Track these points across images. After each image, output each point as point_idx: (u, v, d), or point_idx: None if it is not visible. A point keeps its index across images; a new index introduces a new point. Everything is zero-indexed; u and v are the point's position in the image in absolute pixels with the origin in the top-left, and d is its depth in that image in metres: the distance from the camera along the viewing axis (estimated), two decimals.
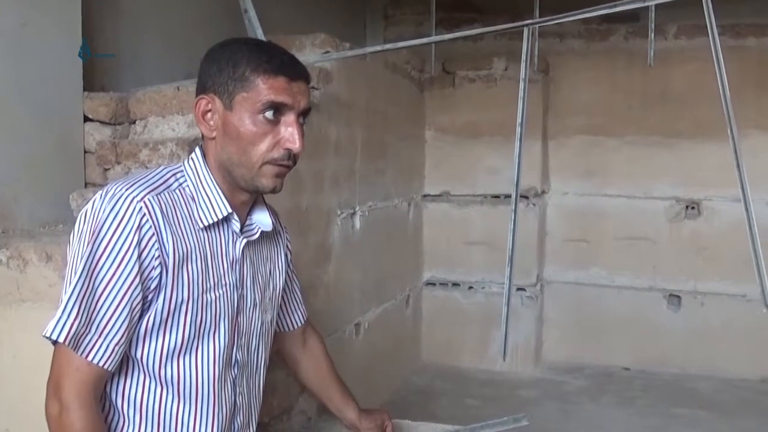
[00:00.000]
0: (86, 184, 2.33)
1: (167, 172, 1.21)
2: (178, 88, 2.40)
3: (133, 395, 1.19)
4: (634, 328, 4.25)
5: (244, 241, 1.25)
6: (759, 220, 1.99)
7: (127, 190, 1.13)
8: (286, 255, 1.43)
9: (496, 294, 4.19)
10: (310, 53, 2.83)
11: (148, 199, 1.13)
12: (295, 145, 1.18)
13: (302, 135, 1.19)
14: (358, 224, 3.28)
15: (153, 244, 1.12)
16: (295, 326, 1.56)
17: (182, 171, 1.23)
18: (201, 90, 1.21)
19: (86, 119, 2.36)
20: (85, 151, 2.35)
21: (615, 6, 2.18)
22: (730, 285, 4.08)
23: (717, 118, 3.88)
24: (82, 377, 1.10)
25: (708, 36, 4.11)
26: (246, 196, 1.25)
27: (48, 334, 1.10)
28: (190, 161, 1.24)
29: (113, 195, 1.13)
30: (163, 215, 1.14)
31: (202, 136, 1.24)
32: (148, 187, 1.15)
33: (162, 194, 1.16)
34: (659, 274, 4.23)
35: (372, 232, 3.42)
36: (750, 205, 1.84)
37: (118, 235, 1.10)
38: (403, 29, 4.79)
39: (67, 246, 1.17)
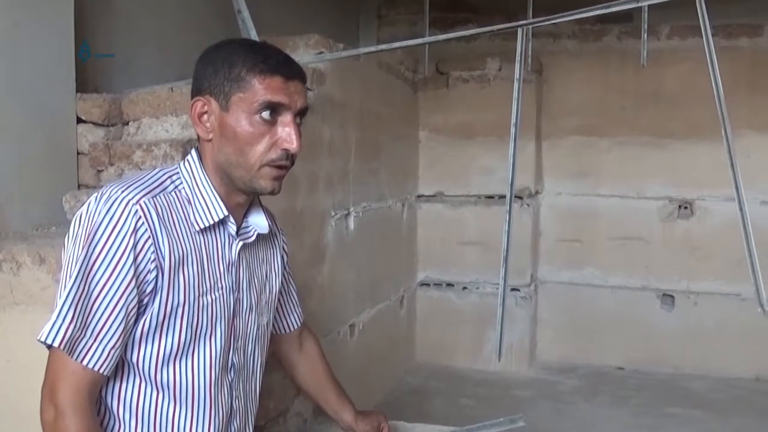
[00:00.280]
0: (79, 186, 2.32)
1: (163, 174, 1.21)
2: (172, 89, 2.38)
3: (129, 399, 1.18)
4: (627, 328, 4.26)
5: (240, 243, 1.25)
6: (752, 220, 2.00)
7: (122, 192, 1.12)
8: (282, 257, 1.43)
9: (490, 294, 4.19)
10: (303, 54, 2.82)
11: (144, 202, 1.12)
12: (293, 145, 1.18)
13: (300, 135, 1.19)
14: (352, 225, 3.27)
15: (149, 248, 1.11)
16: (292, 329, 1.55)
17: (178, 173, 1.22)
18: (196, 92, 1.20)
19: (79, 120, 2.35)
20: (78, 153, 2.34)
21: (609, 6, 2.18)
22: (724, 284, 4.10)
23: (709, 118, 3.90)
24: (77, 382, 1.09)
25: (700, 36, 4.13)
26: (243, 198, 1.25)
27: (43, 339, 1.09)
28: (186, 163, 1.23)
29: (108, 198, 1.12)
30: (158, 218, 1.13)
31: (198, 138, 1.23)
32: (143, 189, 1.15)
33: (158, 197, 1.15)
34: (652, 273, 4.24)
35: (366, 233, 3.42)
36: (744, 205, 1.85)
37: (114, 238, 1.09)
38: (396, 29, 4.79)
39: (62, 249, 1.16)
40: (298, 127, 1.20)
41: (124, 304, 1.11)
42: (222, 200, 1.21)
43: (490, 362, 4.16)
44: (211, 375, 1.21)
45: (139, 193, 1.13)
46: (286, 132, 1.18)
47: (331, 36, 2.96)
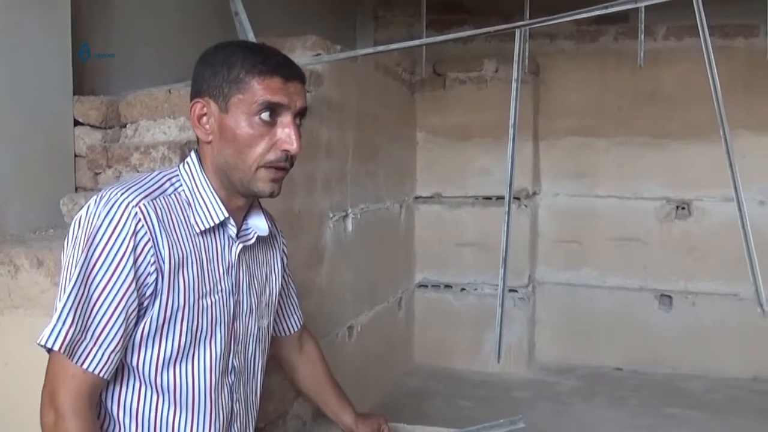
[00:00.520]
0: (77, 189, 2.31)
1: (162, 177, 1.20)
2: (170, 92, 2.38)
3: (129, 403, 1.17)
4: (625, 329, 4.26)
5: (240, 246, 1.24)
6: (749, 220, 2.00)
7: (122, 195, 1.12)
8: (282, 259, 1.42)
9: (488, 295, 4.19)
10: (301, 55, 2.82)
11: (144, 205, 1.12)
12: (293, 146, 1.17)
13: (299, 136, 1.19)
14: (350, 227, 3.27)
15: (149, 250, 1.11)
16: (292, 331, 1.55)
17: (177, 175, 1.22)
18: (195, 94, 1.20)
19: (76, 123, 2.34)
20: (76, 155, 2.33)
21: (608, 7, 2.18)
22: (721, 284, 4.10)
23: (706, 118, 3.92)
24: (77, 385, 1.09)
25: (697, 37, 4.14)
26: (242, 201, 1.24)
27: (43, 342, 1.08)
28: (186, 165, 1.23)
29: (108, 200, 1.11)
30: (158, 220, 1.13)
31: (198, 140, 1.23)
32: (143, 192, 1.14)
33: (157, 199, 1.15)
34: (650, 274, 4.24)
35: (364, 235, 3.41)
36: (743, 205, 1.85)
37: (113, 241, 1.09)
38: (393, 31, 4.79)
39: (61, 252, 1.15)
40: (298, 128, 1.19)
41: (124, 307, 1.10)
42: (222, 202, 1.21)
43: (489, 363, 4.16)
44: (211, 378, 1.21)
45: (138, 195, 1.13)
46: (286, 133, 1.17)
47: (328, 38, 2.95)
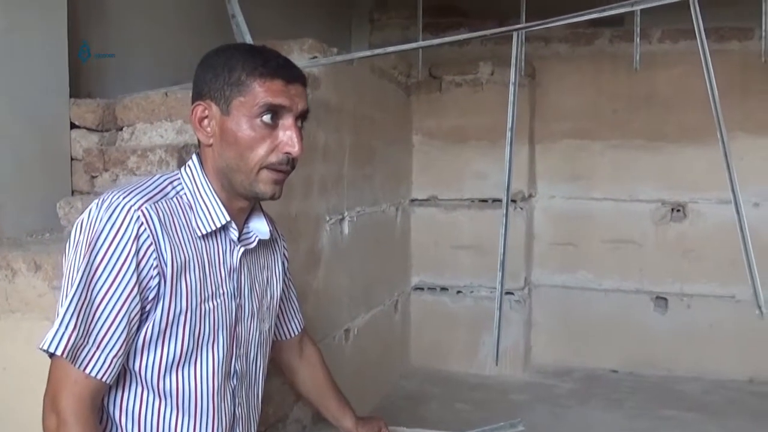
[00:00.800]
0: (73, 192, 2.30)
1: (164, 180, 1.20)
2: (166, 94, 2.37)
3: (131, 408, 1.17)
4: (621, 331, 4.27)
5: (242, 249, 1.24)
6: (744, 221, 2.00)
7: (123, 198, 1.11)
8: (283, 263, 1.42)
9: (484, 298, 4.19)
10: (298, 58, 2.81)
11: (146, 208, 1.11)
12: (294, 148, 1.17)
13: (301, 138, 1.18)
14: (346, 230, 3.26)
15: (151, 254, 1.10)
16: (292, 335, 1.54)
17: (179, 178, 1.21)
18: (197, 96, 1.20)
19: (73, 126, 2.33)
20: (72, 158, 2.32)
21: (604, 10, 2.19)
22: (717, 286, 4.11)
23: (702, 121, 3.96)
24: (80, 390, 1.08)
25: (692, 40, 4.15)
26: (244, 204, 1.24)
27: (45, 347, 1.07)
28: (187, 169, 1.22)
29: (110, 204, 1.11)
30: (160, 224, 1.12)
31: (199, 143, 1.22)
32: (145, 195, 1.14)
33: (159, 203, 1.15)
34: (646, 276, 4.25)
35: (360, 238, 3.41)
36: (741, 208, 1.86)
37: (116, 245, 1.08)
38: (388, 34, 4.79)
39: (62, 256, 1.14)
40: (300, 130, 1.19)
41: (126, 312, 1.09)
42: (224, 205, 1.21)
43: (486, 366, 4.16)
44: (213, 382, 1.20)
45: (140, 199, 1.12)
46: (288, 135, 1.17)
47: (324, 40, 2.95)
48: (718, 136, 1.92)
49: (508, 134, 2.24)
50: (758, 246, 2.05)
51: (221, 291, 1.21)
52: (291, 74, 1.19)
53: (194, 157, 1.23)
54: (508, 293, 4.13)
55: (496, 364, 2.44)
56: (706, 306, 4.16)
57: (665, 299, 4.24)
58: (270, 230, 1.31)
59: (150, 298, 1.12)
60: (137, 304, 1.11)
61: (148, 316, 1.13)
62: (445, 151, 4.25)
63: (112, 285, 1.08)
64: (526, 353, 4.32)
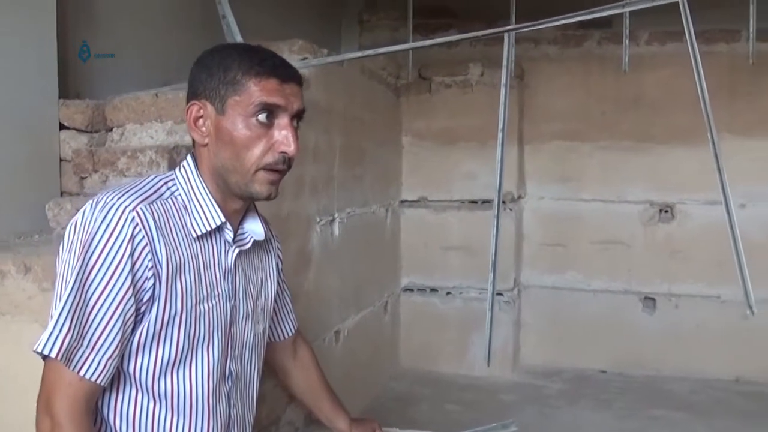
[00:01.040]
0: (62, 193, 2.29)
1: (159, 181, 1.19)
2: (156, 95, 2.36)
3: (125, 410, 1.16)
4: (610, 331, 4.29)
5: (237, 250, 1.23)
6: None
7: (118, 199, 1.10)
8: (277, 264, 1.41)
9: (474, 299, 4.20)
10: (288, 59, 2.80)
11: (141, 209, 1.11)
12: (290, 147, 1.17)
13: (297, 138, 1.18)
14: (336, 231, 3.26)
15: (146, 255, 1.10)
16: (286, 336, 1.54)
17: (174, 179, 1.20)
18: (192, 96, 1.19)
19: (62, 127, 2.32)
20: (61, 160, 2.31)
21: (595, 12, 2.20)
22: (704, 287, 4.14)
23: (689, 122, 3.99)
24: (74, 393, 1.07)
25: (679, 42, 4.18)
26: (239, 204, 1.23)
27: (39, 349, 1.06)
28: (182, 169, 1.22)
29: (104, 205, 1.10)
30: (155, 225, 1.12)
31: (194, 143, 1.22)
32: (139, 196, 1.13)
33: (154, 203, 1.14)
34: (634, 277, 4.27)
35: (351, 239, 3.41)
36: (731, 208, 1.87)
37: (111, 246, 1.07)
38: (378, 35, 4.78)
39: (56, 257, 1.13)
40: (295, 130, 1.19)
41: (121, 313, 1.09)
42: (219, 206, 1.20)
43: (475, 367, 4.17)
44: (209, 384, 1.20)
45: (135, 199, 1.11)
46: (283, 135, 1.17)
47: (314, 42, 2.95)
48: (709, 137, 1.94)
49: (500, 135, 2.24)
50: (745, 246, 2.06)
51: (216, 292, 1.20)
52: (286, 73, 1.18)
53: (189, 157, 1.22)
54: (497, 294, 4.12)
55: (488, 365, 2.44)
56: (693, 306, 4.19)
57: (653, 299, 4.27)
58: (265, 231, 1.31)
59: (145, 299, 1.11)
60: (132, 306, 1.10)
61: (142, 318, 1.12)
62: (434, 153, 4.25)
63: (107, 286, 1.08)
64: (516, 354, 4.33)
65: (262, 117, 1.15)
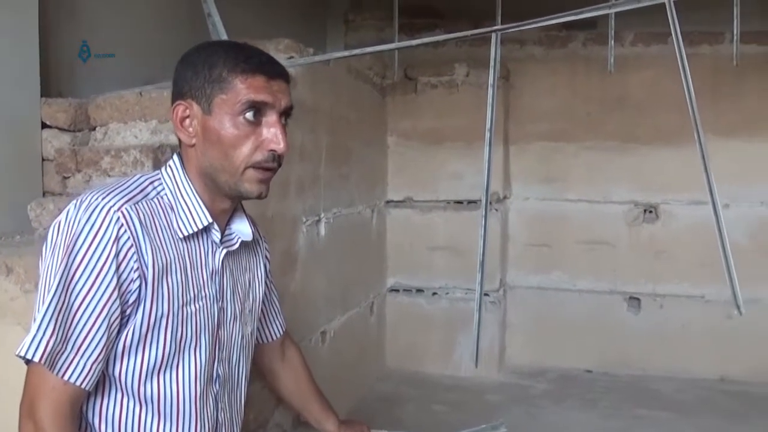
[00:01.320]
0: (44, 193, 2.26)
1: (144, 180, 1.17)
2: (141, 94, 2.33)
3: (110, 415, 1.13)
4: (595, 331, 4.30)
5: (224, 251, 1.21)
6: (714, 221, 2.02)
7: (103, 199, 1.08)
8: (265, 265, 1.40)
9: (459, 299, 4.20)
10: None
11: (126, 209, 1.08)
12: (279, 145, 1.15)
13: (286, 135, 1.16)
14: (323, 231, 3.24)
15: (132, 256, 1.07)
16: (274, 338, 1.52)
17: (160, 179, 1.18)
18: (178, 96, 1.17)
19: (44, 126, 2.29)
20: (43, 159, 2.27)
21: (581, 12, 2.20)
22: (689, 287, 4.17)
23: (673, 123, 4.01)
24: (58, 397, 1.05)
25: (664, 43, 4.21)
26: (227, 204, 1.21)
27: (22, 353, 1.04)
28: (168, 169, 1.19)
29: (89, 204, 1.07)
30: (141, 225, 1.09)
31: (180, 143, 1.20)
32: (125, 196, 1.10)
33: (140, 203, 1.11)
34: (619, 277, 4.29)
35: (337, 240, 3.39)
36: (719, 209, 1.88)
37: (95, 247, 1.05)
38: (363, 35, 4.77)
39: (39, 259, 1.11)
40: (284, 127, 1.17)
41: (106, 316, 1.06)
42: (206, 207, 1.18)
43: (461, 367, 4.16)
44: (196, 387, 1.18)
45: (120, 199, 1.09)
46: (272, 132, 1.15)
47: (300, 41, 2.93)
48: (696, 138, 1.94)
49: (487, 135, 2.24)
50: (729, 247, 2.07)
51: (203, 294, 1.18)
52: (273, 70, 1.17)
53: (175, 157, 1.20)
54: (483, 294, 4.13)
55: (476, 366, 2.43)
56: (678, 306, 4.21)
57: (638, 299, 4.28)
58: (252, 232, 1.29)
59: (130, 301, 1.09)
60: (117, 308, 1.07)
61: (128, 320, 1.10)
62: (420, 153, 4.25)
63: (92, 288, 1.05)
64: (501, 354, 4.33)
65: (249, 115, 1.13)
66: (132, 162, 2.09)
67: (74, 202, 1.09)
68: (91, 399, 1.13)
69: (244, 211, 1.30)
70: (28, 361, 1.06)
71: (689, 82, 1.99)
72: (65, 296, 1.05)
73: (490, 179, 2.25)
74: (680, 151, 4.01)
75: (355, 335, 3.76)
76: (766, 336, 3.98)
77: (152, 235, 1.11)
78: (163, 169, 1.20)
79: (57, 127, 2.29)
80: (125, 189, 1.12)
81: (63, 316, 1.05)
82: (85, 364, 1.06)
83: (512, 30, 2.39)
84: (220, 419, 1.25)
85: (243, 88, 1.13)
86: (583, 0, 2.32)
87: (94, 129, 2.36)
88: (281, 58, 2.77)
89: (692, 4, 2.44)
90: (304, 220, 3.02)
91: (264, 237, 1.43)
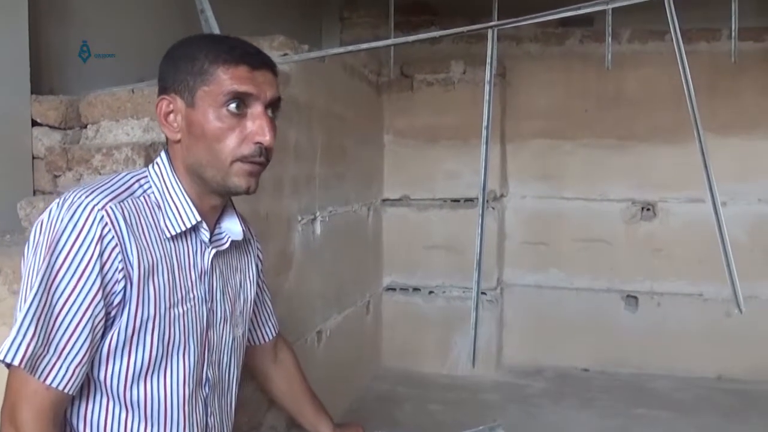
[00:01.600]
0: (35, 192, 2.23)
1: (130, 178, 1.14)
2: (132, 91, 2.30)
3: (95, 420, 1.10)
4: (592, 330, 4.28)
5: (213, 251, 1.18)
6: (711, 219, 2.00)
7: (86, 197, 1.05)
8: (257, 265, 1.36)
9: (456, 298, 4.17)
10: (268, 55, 2.76)
11: (110, 207, 1.05)
12: (265, 137, 1.11)
13: (272, 127, 1.13)
14: (318, 230, 3.21)
15: (116, 256, 1.04)
16: (266, 339, 1.49)
17: (147, 176, 1.15)
18: (161, 91, 1.14)
19: (34, 123, 2.26)
20: (34, 157, 2.24)
21: (579, 8, 2.17)
22: (686, 285, 4.15)
23: (671, 120, 4.00)
24: (40, 402, 1.02)
25: (661, 41, 4.18)
26: (217, 201, 1.18)
27: (2, 357, 1.00)
28: (155, 166, 1.16)
29: (72, 203, 1.04)
30: (126, 224, 1.06)
31: (167, 140, 1.17)
32: (109, 194, 1.07)
33: (125, 202, 1.08)
34: (617, 275, 4.27)
35: (332, 238, 3.36)
36: (719, 207, 1.85)
37: (78, 247, 1.02)
38: (359, 32, 4.74)
39: (21, 259, 1.08)
40: (271, 119, 1.14)
41: (90, 318, 1.03)
42: (194, 205, 1.15)
43: (458, 367, 4.14)
44: (184, 391, 1.14)
45: (105, 197, 1.06)
46: (257, 124, 1.11)
47: (295, 38, 2.90)
48: (695, 135, 1.92)
49: (484, 132, 2.21)
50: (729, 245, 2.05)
51: (191, 295, 1.15)
52: (257, 60, 1.13)
53: (163, 154, 1.17)
54: (480, 293, 4.10)
55: (473, 367, 2.40)
56: (675, 304, 4.19)
57: (636, 298, 4.27)
58: (243, 231, 1.26)
59: (115, 303, 1.06)
60: (101, 310, 1.04)
61: (113, 323, 1.07)
62: (416, 151, 4.22)
63: (74, 289, 1.02)
64: (498, 353, 4.31)
65: (232, 107, 1.10)
66: (124, 160, 2.06)
67: (57, 200, 1.06)
68: (76, 403, 1.10)
69: (235, 210, 1.27)
70: (8, 365, 1.03)
71: (689, 79, 1.97)
72: (47, 298, 1.02)
73: (486, 177, 2.22)
74: (677, 148, 4.00)
75: (351, 335, 3.73)
76: (765, 334, 3.97)
77: (138, 235, 1.08)
78: (150, 166, 1.17)
79: (47, 125, 2.27)
80: (110, 187, 1.09)
81: (44, 318, 1.02)
82: (68, 368, 1.03)
83: (509, 26, 2.36)
84: (209, 424, 1.22)
85: (226, 79, 1.10)
86: None
87: (85, 127, 2.33)
88: (275, 55, 2.74)
89: (689, 0, 2.42)
90: (300, 218, 2.99)
91: (256, 236, 1.40)
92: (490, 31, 2.27)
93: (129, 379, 1.10)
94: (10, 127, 2.16)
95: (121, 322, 1.07)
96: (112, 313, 1.06)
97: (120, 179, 1.13)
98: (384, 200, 4.27)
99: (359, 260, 3.87)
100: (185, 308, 1.13)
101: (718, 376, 4.10)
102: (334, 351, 3.40)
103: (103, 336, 1.07)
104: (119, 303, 1.06)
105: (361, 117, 3.87)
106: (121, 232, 1.05)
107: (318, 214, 3.20)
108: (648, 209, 4.24)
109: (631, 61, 4.15)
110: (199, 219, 1.15)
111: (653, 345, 4.19)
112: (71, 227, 1.03)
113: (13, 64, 2.16)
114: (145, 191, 1.13)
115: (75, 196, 1.05)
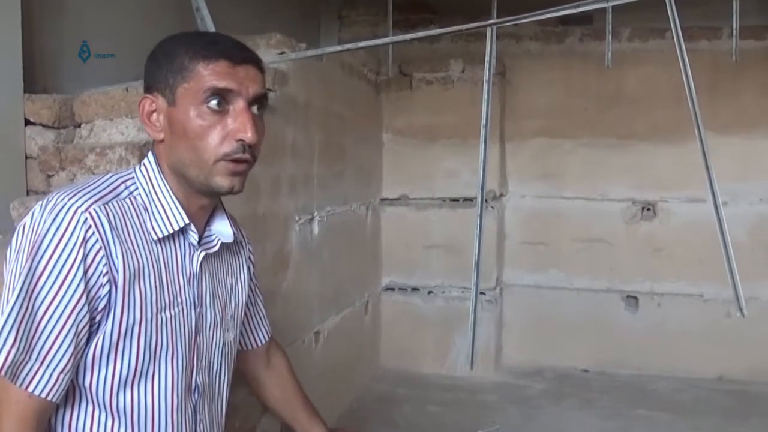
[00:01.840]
0: (28, 192, 2.20)
1: (116, 179, 1.11)
2: (127, 90, 2.27)
3: (80, 428, 1.07)
4: (592, 330, 4.26)
5: (203, 254, 1.15)
6: (714, 221, 1.98)
7: (70, 199, 1.02)
8: (248, 267, 1.33)
9: (455, 298, 4.15)
10: (265, 54, 2.73)
11: (94, 210, 1.02)
12: (247, 134, 1.07)
13: (254, 124, 1.09)
14: (316, 230, 3.19)
15: (100, 260, 1.01)
16: (259, 344, 1.46)
17: (133, 178, 1.12)
18: (145, 90, 1.12)
19: (27, 122, 2.23)
20: (27, 157, 2.22)
21: (579, 6, 2.15)
22: (686, 285, 4.13)
23: (671, 119, 3.97)
24: (23, 410, 0.98)
25: (661, 39, 4.16)
26: (205, 202, 1.15)
27: None
28: (142, 167, 1.13)
29: (54, 205, 1.01)
30: (111, 227, 1.03)
31: (153, 140, 1.14)
32: (94, 195, 1.04)
33: (110, 204, 1.05)
34: (617, 275, 4.24)
35: (330, 238, 3.34)
36: (721, 209, 1.82)
37: (61, 250, 0.99)
38: (357, 31, 4.71)
39: (4, 262, 1.05)
40: (254, 116, 1.10)
41: (73, 323, 1.00)
42: (182, 207, 1.12)
43: (457, 367, 4.12)
44: (173, 398, 1.11)
45: (89, 199, 1.03)
46: (239, 121, 1.07)
47: (293, 36, 2.87)
48: (696, 134, 1.89)
49: (483, 131, 2.19)
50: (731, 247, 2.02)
51: (179, 299, 1.12)
52: (239, 55, 1.09)
53: (150, 154, 1.14)
54: (479, 293, 4.08)
55: (471, 368, 2.37)
56: (675, 305, 4.17)
57: (636, 298, 4.24)
58: (234, 233, 1.23)
59: (100, 308, 1.03)
60: (85, 315, 1.01)
61: (98, 328, 1.04)
62: (415, 150, 4.20)
63: (57, 294, 0.99)
64: (498, 353, 4.29)
65: (213, 103, 1.07)
66: (117, 160, 2.03)
67: (41, 202, 1.03)
68: (60, 411, 1.07)
69: (225, 211, 1.24)
70: None
71: (690, 78, 1.94)
72: (28, 303, 0.99)
73: (485, 176, 2.20)
74: (678, 147, 3.97)
75: (350, 335, 3.71)
76: (765, 335, 3.94)
77: (123, 237, 1.05)
78: (137, 167, 1.14)
79: (41, 124, 2.24)
80: (95, 188, 1.06)
81: (26, 324, 0.99)
82: (51, 375, 1.00)
83: (508, 24, 2.34)
84: (199, 431, 1.19)
85: (205, 75, 1.06)
86: None
87: (79, 126, 2.30)
88: (273, 54, 2.72)
89: None
90: (297, 218, 2.97)
91: (247, 238, 1.37)
92: (489, 30, 2.25)
93: (115, 385, 1.06)
94: (3, 126, 2.14)
95: (107, 328, 1.04)
96: (97, 318, 1.03)
97: (105, 181, 1.10)
98: (383, 200, 4.25)
99: (358, 260, 3.85)
100: (173, 313, 1.10)
101: (718, 377, 4.07)
102: (333, 351, 3.38)
103: (88, 341, 1.04)
104: (104, 308, 1.03)
105: (359, 116, 3.85)
106: (106, 234, 1.02)
107: (316, 213, 3.18)
108: (648, 209, 4.22)
109: (631, 60, 4.12)
110: (187, 221, 1.12)
111: (653, 346, 4.17)
112: (54, 230, 1.00)
113: (6, 63, 2.13)
114: (131, 193, 1.10)
115: (58, 198, 1.03)
